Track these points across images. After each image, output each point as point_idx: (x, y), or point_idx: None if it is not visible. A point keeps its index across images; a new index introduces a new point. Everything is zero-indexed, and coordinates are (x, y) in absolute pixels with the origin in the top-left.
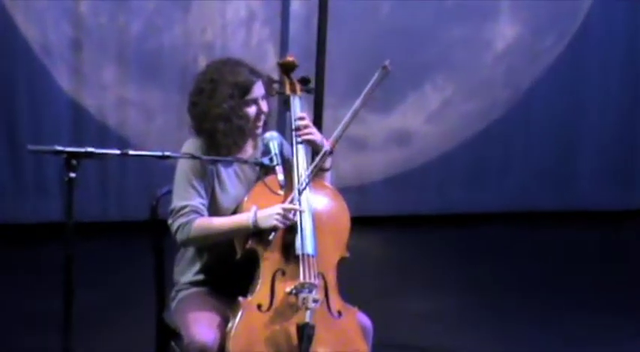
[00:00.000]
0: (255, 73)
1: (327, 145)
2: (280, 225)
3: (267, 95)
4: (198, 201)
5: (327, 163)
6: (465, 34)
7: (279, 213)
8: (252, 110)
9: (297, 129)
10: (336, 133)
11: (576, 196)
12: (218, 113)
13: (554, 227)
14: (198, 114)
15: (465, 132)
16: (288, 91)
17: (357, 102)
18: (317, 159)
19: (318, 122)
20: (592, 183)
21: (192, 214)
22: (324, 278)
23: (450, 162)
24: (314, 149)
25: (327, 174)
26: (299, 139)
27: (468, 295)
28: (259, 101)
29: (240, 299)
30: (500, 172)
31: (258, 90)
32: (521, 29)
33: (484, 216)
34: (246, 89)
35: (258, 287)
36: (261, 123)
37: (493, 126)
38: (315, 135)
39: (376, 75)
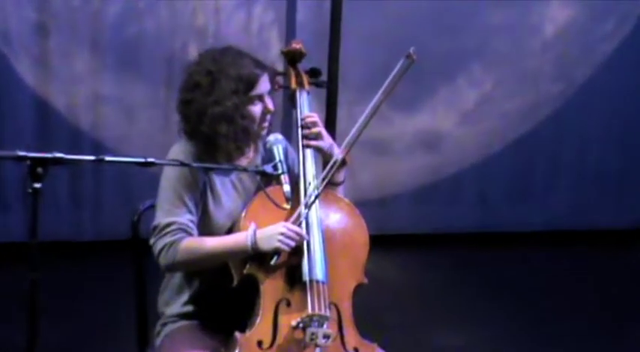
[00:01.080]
0: (260, 65)
1: (338, 153)
2: (284, 248)
3: (272, 90)
4: (187, 218)
5: (340, 176)
6: (507, 17)
7: (283, 234)
8: (257, 109)
9: (305, 130)
10: (349, 138)
11: None
12: (219, 112)
13: (615, 248)
14: (193, 113)
15: (507, 135)
16: (294, 85)
17: (375, 99)
18: (326, 169)
19: (330, 122)
20: None
21: (180, 233)
22: (337, 309)
23: (489, 171)
24: (324, 158)
25: (339, 189)
26: (306, 144)
27: (507, 328)
28: (265, 98)
29: (237, 334)
30: (551, 183)
31: (264, 85)
32: (576, 11)
33: (530, 236)
34: (252, 84)
35: (259, 319)
36: (266, 124)
37: (541, 127)
38: (324, 140)
39: (399, 65)
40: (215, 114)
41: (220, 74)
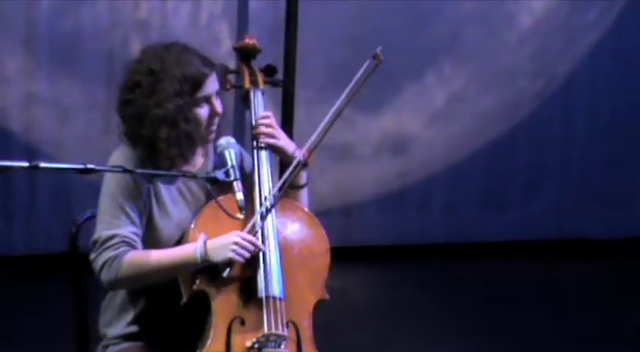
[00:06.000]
0: (208, 63)
1: (300, 154)
2: (238, 259)
3: (221, 90)
4: (130, 230)
5: (302, 178)
6: (479, 6)
7: (236, 243)
8: (203, 111)
9: (260, 132)
10: (312, 139)
11: (630, 219)
12: (161, 115)
13: (600, 258)
14: (133, 116)
15: (481, 137)
16: (247, 84)
17: (338, 103)
18: (287, 171)
19: (287, 123)
20: None
21: (123, 246)
22: (295, 327)
23: (461, 177)
24: (282, 159)
25: (302, 193)
26: (262, 145)
27: (484, 345)
28: (212, 99)
29: None
30: (529, 189)
31: (212, 85)
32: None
33: (506, 246)
34: (198, 84)
35: (210, 341)
36: (214, 128)
37: (519, 128)
38: (281, 139)
39: (364, 66)
40: (156, 117)
41: (163, 73)
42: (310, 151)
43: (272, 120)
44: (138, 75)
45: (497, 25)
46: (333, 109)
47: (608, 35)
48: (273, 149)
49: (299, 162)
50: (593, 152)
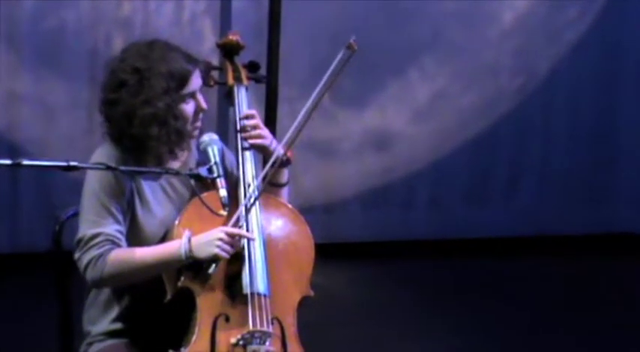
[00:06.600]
0: (192, 60)
1: (279, 149)
2: (223, 255)
3: (205, 86)
4: (114, 228)
5: (283, 177)
6: (461, 4)
7: (221, 239)
8: (189, 107)
9: (244, 129)
10: (289, 134)
11: (611, 216)
12: (151, 113)
13: (580, 255)
14: (120, 115)
15: (463, 133)
16: (231, 81)
17: (315, 93)
18: (267, 165)
19: (271, 120)
20: (632, 199)
21: (107, 245)
22: (280, 324)
23: (444, 173)
24: (266, 157)
25: (283, 192)
26: (246, 143)
27: (469, 341)
28: (197, 95)
29: None
30: (511, 185)
31: (196, 81)
32: None
33: (489, 242)
34: (183, 80)
35: (195, 337)
36: (199, 124)
37: (501, 124)
38: (267, 138)
39: (339, 56)
40: (146, 115)
41: (149, 71)
42: (289, 147)
43: (257, 120)
44: (122, 74)
45: (479, 22)
46: (309, 101)
47: (589, 32)
48: (259, 148)
49: (278, 157)
50: (575, 148)
